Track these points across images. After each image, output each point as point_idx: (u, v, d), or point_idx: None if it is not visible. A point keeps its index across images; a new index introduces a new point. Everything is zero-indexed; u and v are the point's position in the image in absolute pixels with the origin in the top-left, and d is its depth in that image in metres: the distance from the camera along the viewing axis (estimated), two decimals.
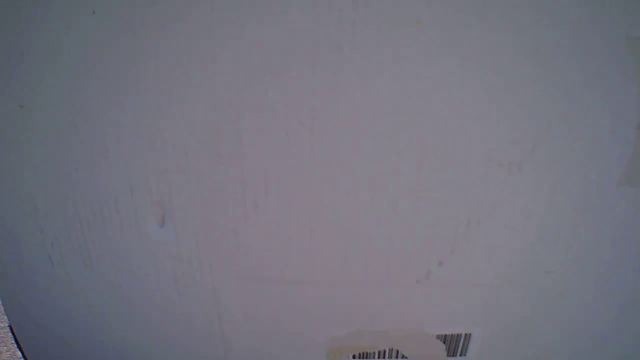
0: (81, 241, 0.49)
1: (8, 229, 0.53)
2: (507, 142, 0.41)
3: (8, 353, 0.88)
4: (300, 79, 0.40)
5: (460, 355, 0.50)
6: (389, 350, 0.50)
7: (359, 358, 0.50)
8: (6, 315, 0.61)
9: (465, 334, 0.49)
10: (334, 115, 0.41)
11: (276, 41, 0.39)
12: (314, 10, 0.38)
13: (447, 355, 0.50)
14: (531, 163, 0.41)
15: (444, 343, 0.49)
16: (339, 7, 0.38)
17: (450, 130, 0.41)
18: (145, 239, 0.47)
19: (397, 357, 0.50)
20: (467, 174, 0.42)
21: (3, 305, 0.60)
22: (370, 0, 0.37)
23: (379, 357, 0.50)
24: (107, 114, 0.44)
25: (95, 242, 0.49)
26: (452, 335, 0.49)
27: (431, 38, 0.38)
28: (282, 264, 0.46)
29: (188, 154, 0.43)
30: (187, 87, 0.41)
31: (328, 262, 0.45)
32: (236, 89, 0.41)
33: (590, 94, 0.41)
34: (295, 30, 0.39)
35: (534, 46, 0.39)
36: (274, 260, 0.46)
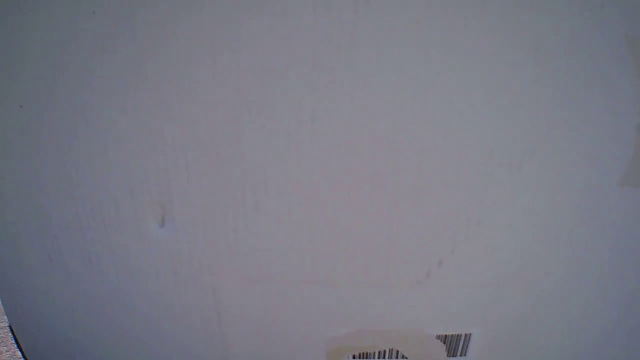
0: (81, 241, 0.49)
1: (8, 229, 0.53)
2: (507, 142, 0.41)
3: (8, 353, 0.88)
4: (301, 79, 0.40)
5: (461, 355, 0.50)
6: (389, 350, 0.50)
7: (359, 358, 0.50)
8: (6, 315, 0.61)
9: (466, 334, 0.49)
10: (334, 115, 0.41)
11: (276, 42, 0.39)
12: (314, 11, 0.38)
13: (447, 356, 0.50)
14: (531, 163, 0.41)
15: (444, 343, 0.49)
16: (339, 8, 0.38)
17: (450, 130, 0.41)
18: (145, 239, 0.47)
19: (397, 357, 0.50)
20: (467, 174, 0.42)
21: (3, 305, 0.60)
22: (371, 1, 0.37)
23: (379, 357, 0.50)
24: (107, 114, 0.44)
25: (95, 241, 0.49)
26: (452, 335, 0.49)
27: (431, 38, 0.38)
28: (282, 263, 0.46)
29: (188, 154, 0.43)
30: (187, 87, 0.41)
31: (328, 262, 0.45)
32: (236, 89, 0.41)
33: (590, 94, 0.41)
34: (295, 31, 0.39)
35: (533, 46, 0.39)
36: (274, 260, 0.46)
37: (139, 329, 0.53)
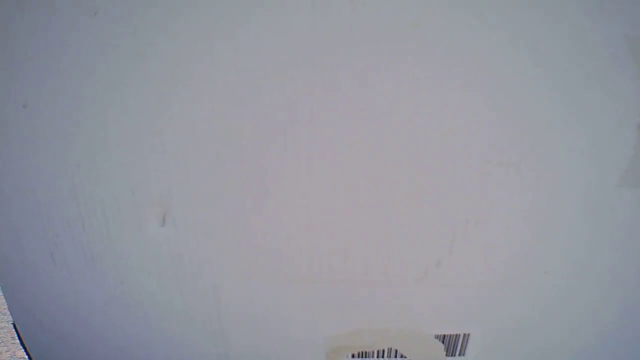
0: (83, 240, 0.50)
1: (11, 228, 0.53)
2: (506, 142, 0.41)
3: (8, 353, 0.89)
4: (299, 79, 0.40)
5: (459, 355, 0.50)
6: (388, 349, 0.50)
7: (358, 357, 0.50)
8: (10, 313, 0.62)
9: (464, 334, 0.49)
10: (332, 115, 0.41)
11: (275, 42, 0.39)
12: (313, 12, 0.38)
13: (446, 355, 0.50)
14: (529, 163, 0.41)
15: (443, 343, 0.49)
16: (337, 9, 0.38)
17: (448, 131, 0.41)
18: (146, 238, 0.48)
19: (395, 357, 0.50)
20: (465, 174, 0.42)
21: (7, 303, 0.61)
22: (368, 2, 0.38)
23: (377, 357, 0.50)
24: (109, 115, 0.44)
25: (97, 240, 0.49)
26: (450, 335, 0.49)
27: (429, 39, 0.39)
28: (282, 263, 0.46)
29: (188, 155, 0.43)
30: (187, 87, 0.42)
31: (327, 262, 0.46)
32: (235, 89, 0.41)
33: (590, 94, 0.41)
34: (293, 31, 0.39)
35: (533, 46, 0.39)
36: (274, 259, 0.46)
37: (140, 326, 0.53)
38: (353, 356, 0.50)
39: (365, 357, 0.50)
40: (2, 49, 0.45)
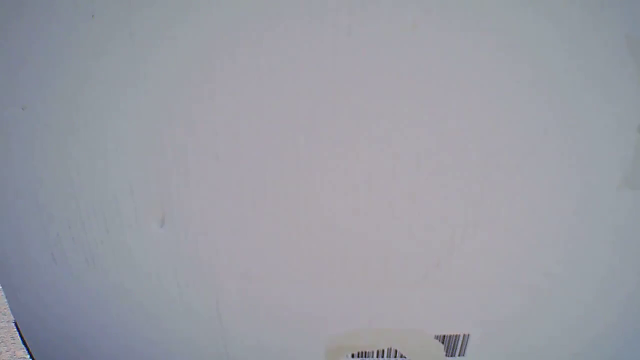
0: (83, 240, 0.50)
1: (12, 228, 0.54)
2: (505, 144, 0.41)
3: (8, 353, 0.89)
4: (297, 82, 0.40)
5: (459, 355, 0.50)
6: (388, 349, 0.50)
7: (358, 357, 0.51)
8: (11, 313, 0.62)
9: (464, 335, 0.49)
10: (331, 117, 0.41)
11: (273, 45, 0.39)
12: (310, 15, 0.38)
13: (446, 355, 0.50)
14: (529, 165, 0.41)
15: (443, 343, 0.49)
16: (335, 12, 0.38)
17: (448, 133, 0.41)
18: (146, 238, 0.48)
19: (395, 357, 0.50)
20: (465, 175, 0.42)
21: (8, 303, 0.61)
22: (366, 3, 0.37)
23: (377, 357, 0.51)
24: (108, 116, 0.44)
25: (97, 240, 0.49)
26: (450, 335, 0.49)
27: (428, 41, 0.38)
28: (281, 263, 0.46)
29: (187, 156, 0.43)
30: (185, 89, 0.42)
31: (326, 263, 0.46)
32: (234, 92, 0.41)
33: (590, 96, 0.40)
34: (291, 34, 0.39)
35: (532, 47, 0.39)
36: (273, 260, 0.46)
37: (140, 326, 0.54)
38: (353, 356, 0.51)
39: (365, 357, 0.51)
40: (1, 51, 0.45)
